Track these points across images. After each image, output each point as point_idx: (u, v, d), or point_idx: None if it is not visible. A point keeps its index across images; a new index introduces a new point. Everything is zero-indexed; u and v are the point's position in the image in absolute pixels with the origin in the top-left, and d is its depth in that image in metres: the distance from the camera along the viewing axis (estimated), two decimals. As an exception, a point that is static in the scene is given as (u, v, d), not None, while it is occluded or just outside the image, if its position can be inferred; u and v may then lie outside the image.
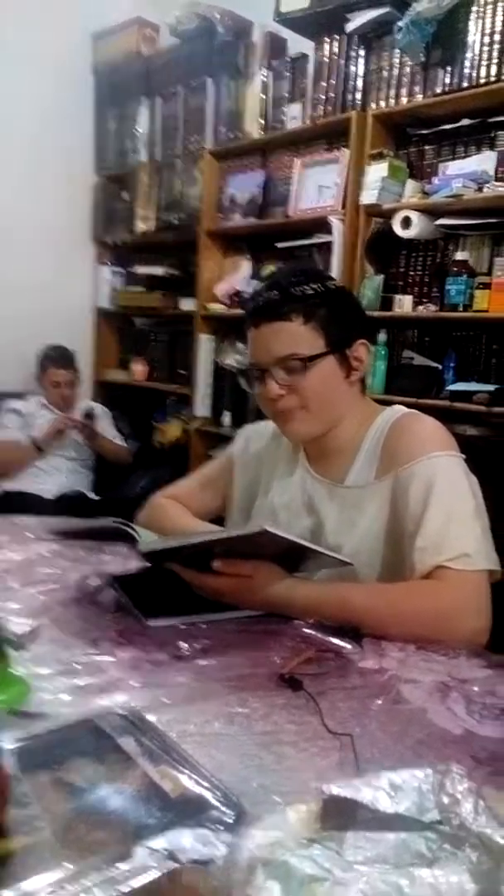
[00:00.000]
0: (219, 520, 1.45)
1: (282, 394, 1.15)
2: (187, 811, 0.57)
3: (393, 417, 1.20)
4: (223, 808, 0.57)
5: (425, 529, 1.06)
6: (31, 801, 0.57)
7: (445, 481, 1.09)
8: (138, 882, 0.49)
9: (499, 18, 2.17)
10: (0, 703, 0.70)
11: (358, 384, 1.23)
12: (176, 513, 1.39)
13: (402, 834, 0.43)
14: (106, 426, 3.34)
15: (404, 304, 2.46)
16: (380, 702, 0.82)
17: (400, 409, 1.23)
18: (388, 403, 1.28)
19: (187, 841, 0.52)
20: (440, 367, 2.41)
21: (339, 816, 0.46)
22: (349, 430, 1.21)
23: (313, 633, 0.99)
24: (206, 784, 0.60)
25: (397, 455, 1.14)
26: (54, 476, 3.12)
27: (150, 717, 0.72)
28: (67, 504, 2.94)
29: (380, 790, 0.47)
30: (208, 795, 0.59)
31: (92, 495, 3.19)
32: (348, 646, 0.95)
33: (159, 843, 0.52)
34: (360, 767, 0.66)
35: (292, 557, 1.07)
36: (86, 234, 3.79)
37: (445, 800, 0.45)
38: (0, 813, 0.54)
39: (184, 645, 0.94)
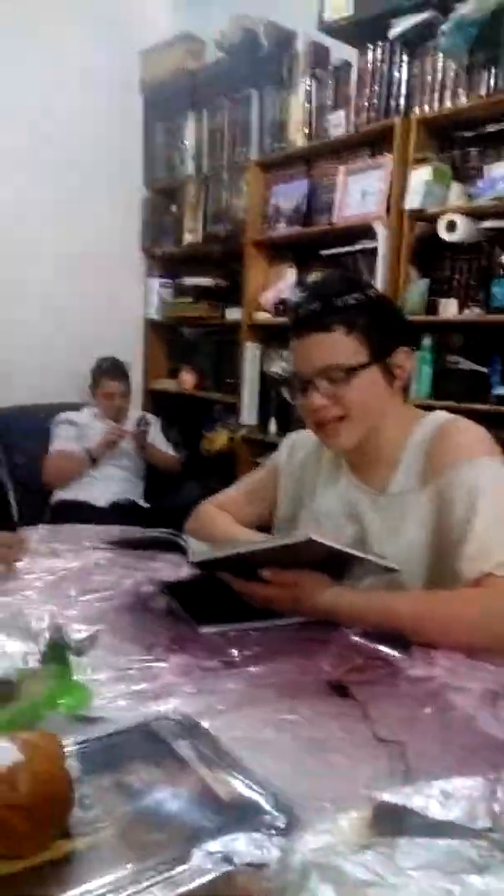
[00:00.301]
0: (265, 528, 1.47)
1: (325, 404, 1.16)
2: (241, 815, 0.59)
3: (435, 424, 1.20)
4: (275, 813, 0.58)
5: (472, 537, 1.06)
6: (92, 803, 0.59)
7: (490, 487, 1.08)
8: (195, 883, 0.51)
9: (544, 18, 2.15)
10: (62, 708, 0.73)
11: (400, 391, 1.23)
12: (223, 521, 1.41)
13: (453, 841, 0.43)
14: (156, 435, 3.39)
15: (449, 308, 2.44)
16: (428, 710, 0.82)
17: (442, 416, 1.23)
18: (434, 408, 1.27)
19: (241, 844, 0.54)
20: (486, 371, 2.39)
21: (391, 823, 0.47)
22: (391, 438, 1.21)
23: (361, 640, 1.00)
24: (258, 789, 0.62)
25: (440, 462, 1.14)
26: (107, 484, 3.18)
27: (203, 723, 0.74)
28: (119, 512, 3.00)
29: (431, 798, 0.48)
30: (261, 800, 0.60)
31: (143, 503, 3.24)
32: (396, 653, 0.96)
33: (215, 846, 0.53)
34: (410, 775, 0.67)
35: (338, 565, 1.08)
36: (135, 247, 3.86)
37: (497, 808, 0.46)
38: (64, 814, 0.56)
39: (234, 651, 0.96)
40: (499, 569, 1.03)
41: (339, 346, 1.14)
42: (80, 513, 2.85)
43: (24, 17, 3.21)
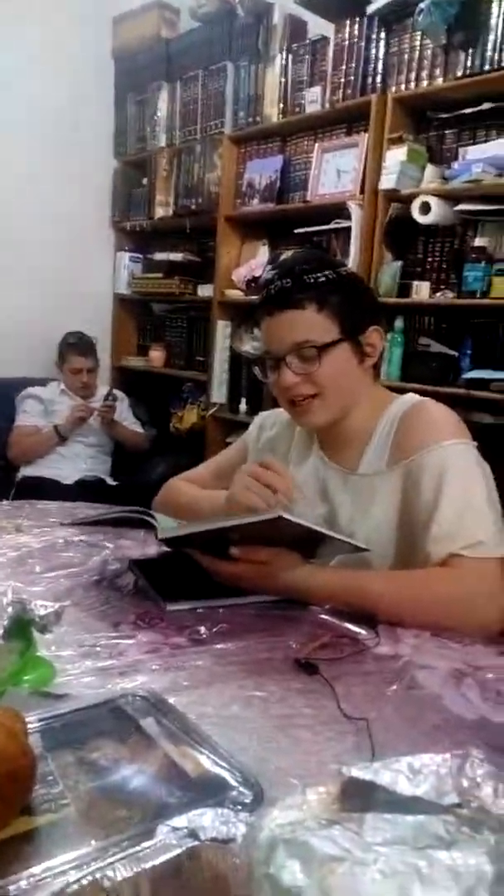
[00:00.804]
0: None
1: (297, 382, 1.15)
2: (207, 791, 0.58)
3: (405, 406, 1.20)
4: (242, 789, 0.58)
5: (439, 518, 1.07)
6: (55, 780, 0.58)
7: (458, 469, 1.09)
8: (160, 859, 0.50)
9: (523, 0, 2.14)
10: (25, 684, 0.72)
11: (371, 371, 1.23)
12: (189, 489, 1.41)
13: (420, 816, 0.43)
14: (124, 412, 3.36)
15: (422, 291, 2.45)
16: (395, 687, 0.82)
17: (412, 398, 1.23)
18: (404, 391, 1.28)
19: (208, 820, 0.53)
20: (457, 354, 2.40)
21: (358, 798, 0.46)
22: (362, 418, 1.21)
23: (329, 618, 1.00)
24: (225, 765, 0.61)
25: (408, 444, 1.14)
26: (74, 462, 3.15)
27: (170, 699, 0.73)
28: (86, 489, 2.97)
29: (399, 773, 0.47)
30: (227, 776, 0.60)
31: (110, 481, 3.21)
32: (364, 632, 0.96)
33: (180, 821, 0.53)
34: (376, 752, 0.67)
35: (308, 544, 1.08)
36: (105, 221, 3.79)
37: (465, 783, 0.46)
38: (27, 791, 0.55)
39: (201, 629, 0.95)
40: (465, 550, 1.04)
41: (311, 323, 1.14)
42: (47, 490, 2.81)
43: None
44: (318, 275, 1.14)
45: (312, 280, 1.14)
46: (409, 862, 0.40)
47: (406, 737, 0.72)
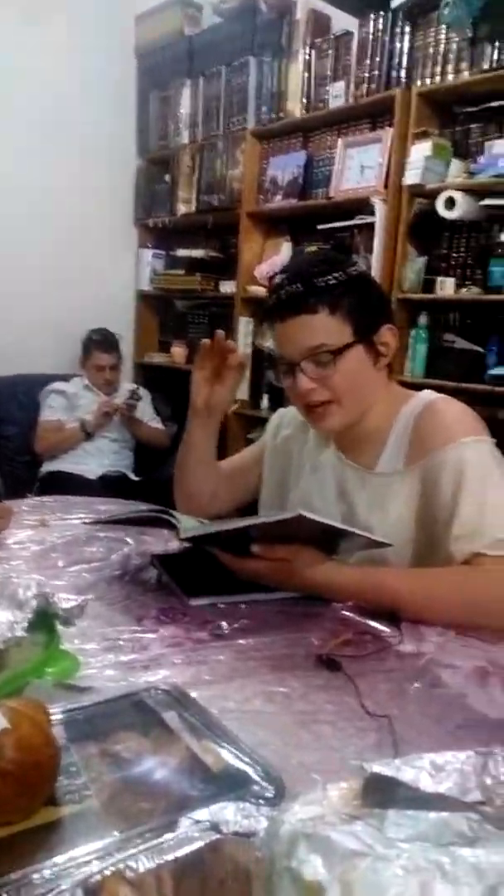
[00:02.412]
0: (251, 504, 1.46)
1: (313, 387, 1.14)
2: (229, 785, 0.58)
3: (421, 403, 1.19)
4: (264, 783, 0.58)
5: (460, 517, 1.06)
6: (79, 771, 0.59)
7: (476, 468, 1.08)
8: (183, 851, 0.50)
9: (550, -9, 2.11)
10: (49, 676, 0.73)
11: (385, 370, 1.21)
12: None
13: (443, 813, 0.43)
14: (146, 409, 3.37)
15: (447, 287, 2.43)
16: (418, 685, 0.82)
17: (428, 395, 1.21)
18: (429, 388, 1.26)
19: (230, 813, 0.53)
20: (483, 350, 2.38)
21: (380, 794, 0.46)
22: (378, 417, 1.20)
23: (352, 615, 1.00)
24: (246, 759, 0.62)
25: (425, 442, 1.13)
26: (97, 457, 3.17)
27: (193, 694, 0.73)
28: (109, 484, 2.99)
29: (421, 770, 0.47)
30: (249, 770, 0.60)
31: (133, 476, 3.23)
32: (386, 629, 0.96)
33: (202, 814, 0.53)
34: (399, 749, 0.67)
35: (329, 540, 1.07)
36: (128, 218, 3.81)
37: (488, 781, 0.46)
38: (51, 781, 0.56)
39: (224, 624, 0.96)
40: (488, 548, 1.03)
41: (324, 327, 1.12)
42: (70, 484, 2.84)
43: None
44: (329, 277, 1.12)
45: (323, 283, 1.11)
46: (431, 858, 0.39)
47: (429, 734, 0.72)
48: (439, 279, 2.45)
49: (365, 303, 1.15)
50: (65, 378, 3.31)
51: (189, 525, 1.08)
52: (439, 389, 1.26)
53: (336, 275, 1.12)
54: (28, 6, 3.17)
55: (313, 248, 2.75)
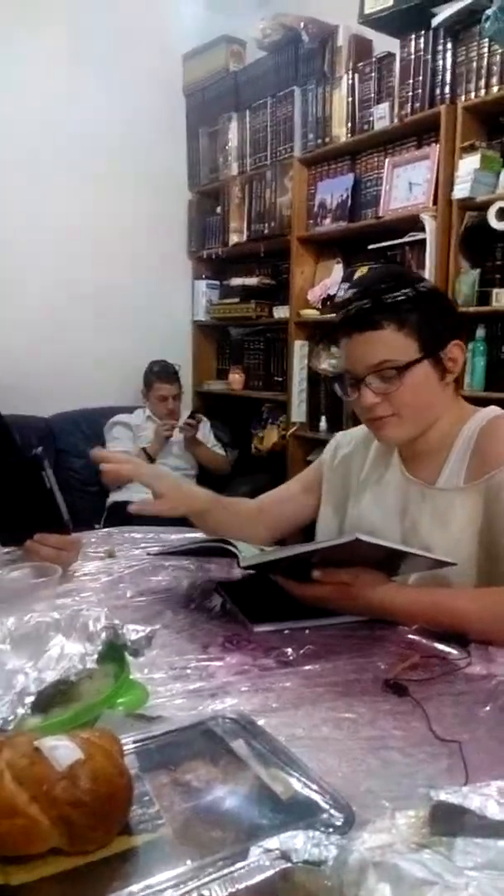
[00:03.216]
0: (312, 524, 1.47)
1: (377, 402, 1.15)
2: (298, 813, 0.59)
3: (484, 419, 1.18)
4: (333, 812, 0.58)
5: None
6: (151, 801, 0.60)
7: None
8: (255, 880, 0.51)
9: None
10: (120, 707, 0.74)
11: (452, 385, 1.21)
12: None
13: (512, 842, 0.43)
14: (206, 435, 3.42)
15: (502, 298, 2.39)
16: (488, 708, 0.81)
17: (492, 411, 1.20)
18: (489, 401, 1.25)
19: (299, 842, 0.54)
20: (544, 361, 2.33)
21: (448, 822, 0.46)
22: (442, 431, 1.19)
23: (418, 638, 0.99)
24: (315, 787, 0.62)
25: (488, 459, 1.12)
26: (160, 486, 3.23)
27: (260, 721, 0.74)
28: (173, 512, 3.03)
29: (489, 798, 0.47)
30: (318, 798, 0.60)
31: (196, 503, 3.27)
32: (454, 651, 0.95)
33: (273, 843, 0.54)
34: (469, 775, 0.66)
35: (390, 562, 1.07)
36: (182, 250, 3.90)
37: None
38: (125, 811, 0.57)
39: (289, 650, 0.96)
40: None
41: (391, 343, 1.12)
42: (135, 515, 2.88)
43: (68, 27, 3.28)
44: (397, 293, 1.12)
45: (391, 299, 1.12)
46: (500, 887, 0.39)
47: (501, 759, 0.71)
48: (495, 291, 2.42)
49: (433, 319, 1.15)
50: (128, 410, 3.40)
51: (249, 553, 1.09)
52: (500, 403, 1.24)
53: (405, 291, 1.13)
54: (82, 51, 3.31)
55: (363, 272, 2.76)
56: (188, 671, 0.91)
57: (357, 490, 1.34)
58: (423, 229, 2.53)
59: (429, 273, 2.50)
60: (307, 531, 1.50)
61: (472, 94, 2.44)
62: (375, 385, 1.14)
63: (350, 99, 2.89)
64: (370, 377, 1.14)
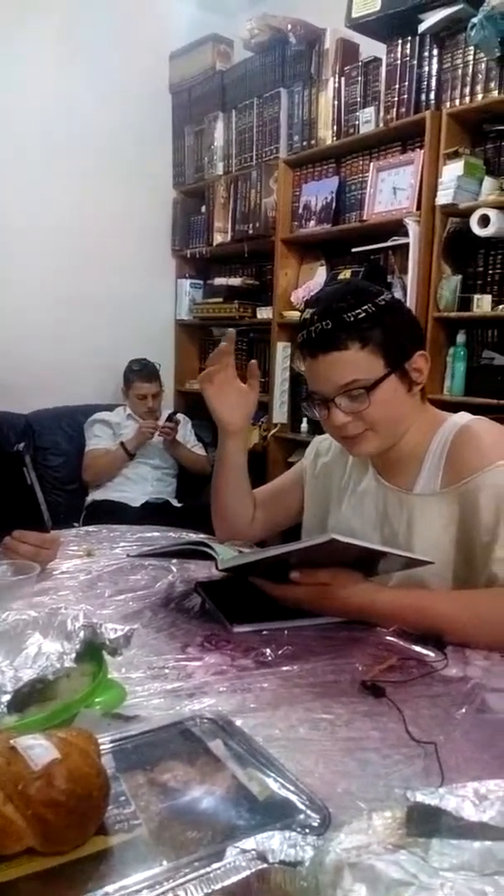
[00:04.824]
0: (293, 529, 1.47)
1: (348, 421, 1.14)
2: (275, 814, 0.59)
3: (456, 425, 1.18)
4: (309, 812, 0.59)
5: (502, 539, 1.05)
6: (128, 801, 0.60)
7: None
8: (231, 881, 0.51)
9: None
10: (98, 706, 0.74)
11: (419, 393, 1.20)
12: None
13: (487, 842, 0.43)
14: (187, 435, 3.42)
15: (483, 304, 2.41)
16: (464, 710, 0.81)
17: (463, 417, 1.20)
18: (469, 406, 1.26)
19: (276, 843, 0.54)
20: (523, 367, 2.35)
21: (424, 823, 0.46)
22: (414, 439, 1.19)
23: (396, 640, 1.00)
24: (292, 788, 0.62)
25: (462, 465, 1.13)
26: (140, 484, 3.22)
27: (237, 722, 0.74)
28: (152, 511, 3.02)
29: (465, 799, 0.47)
30: (295, 799, 0.61)
31: (175, 502, 3.26)
32: (431, 654, 0.95)
33: (249, 844, 0.54)
34: (445, 776, 0.67)
35: (367, 562, 1.07)
36: (166, 249, 3.89)
37: (531, 810, 0.46)
38: (100, 811, 0.57)
39: (267, 651, 0.96)
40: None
41: (356, 362, 1.11)
42: (114, 512, 2.88)
43: (58, 24, 3.25)
44: (358, 311, 1.10)
45: (353, 318, 1.10)
46: (476, 888, 0.40)
47: (476, 761, 0.71)
48: (476, 297, 2.44)
49: (396, 332, 1.14)
50: (108, 408, 3.39)
51: (227, 555, 1.09)
52: (479, 407, 1.26)
53: (365, 307, 1.11)
54: (67, 48, 3.29)
55: (346, 276, 2.77)
56: (166, 671, 0.90)
57: (337, 498, 1.35)
58: (406, 234, 2.55)
59: (411, 278, 2.52)
60: (287, 535, 1.50)
61: (457, 101, 2.46)
62: (345, 405, 1.13)
63: (336, 102, 2.91)
64: (339, 398, 1.13)
